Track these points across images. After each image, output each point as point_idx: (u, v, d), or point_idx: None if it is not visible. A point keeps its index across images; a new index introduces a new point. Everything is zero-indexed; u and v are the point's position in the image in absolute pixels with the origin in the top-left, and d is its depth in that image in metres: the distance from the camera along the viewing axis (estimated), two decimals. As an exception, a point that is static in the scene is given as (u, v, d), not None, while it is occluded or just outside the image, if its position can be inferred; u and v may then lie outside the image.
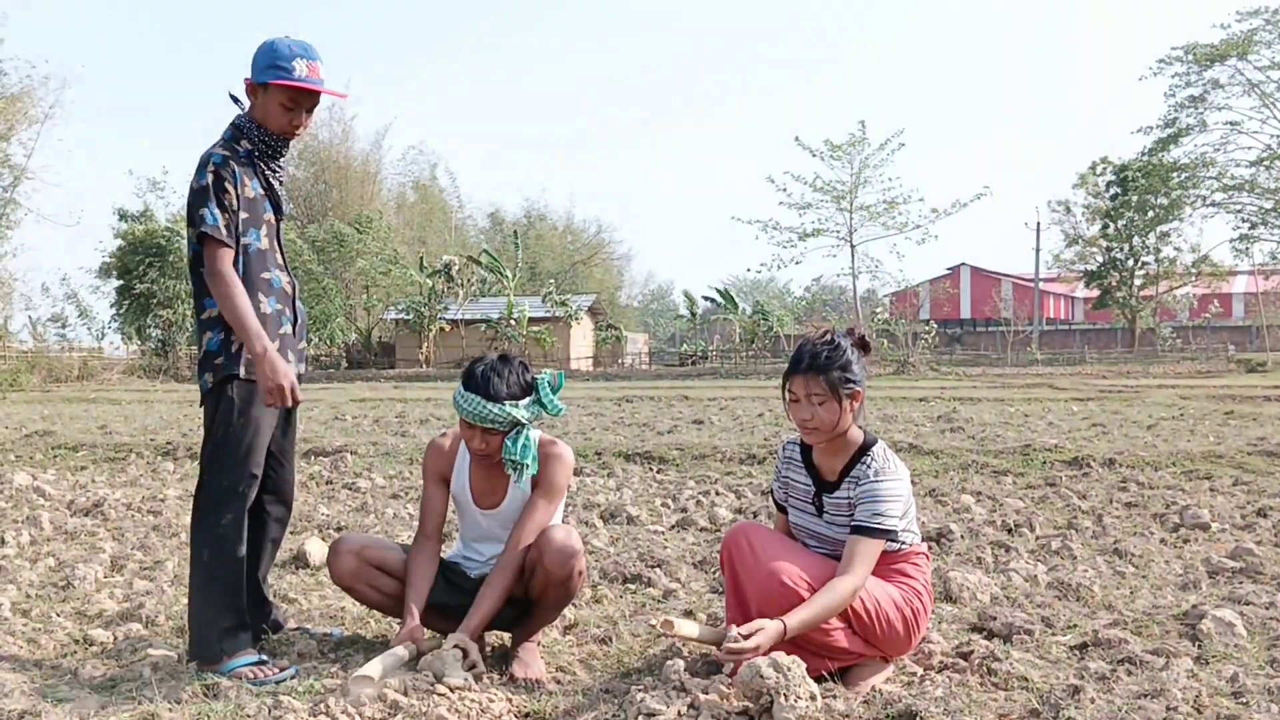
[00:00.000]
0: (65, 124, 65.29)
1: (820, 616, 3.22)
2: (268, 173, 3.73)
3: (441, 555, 3.96)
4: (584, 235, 72.67)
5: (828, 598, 3.23)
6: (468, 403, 3.60)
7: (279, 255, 3.78)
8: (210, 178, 3.55)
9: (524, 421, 3.65)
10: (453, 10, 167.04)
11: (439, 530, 3.86)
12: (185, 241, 3.77)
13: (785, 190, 41.01)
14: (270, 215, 3.73)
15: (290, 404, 3.56)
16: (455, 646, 3.36)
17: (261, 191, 3.69)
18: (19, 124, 32.85)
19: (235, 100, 3.76)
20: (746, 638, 3.05)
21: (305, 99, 3.66)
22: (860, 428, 3.55)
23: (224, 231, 3.54)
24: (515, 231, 56.74)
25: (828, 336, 3.50)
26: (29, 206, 34.03)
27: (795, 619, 3.16)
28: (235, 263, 3.59)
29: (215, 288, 3.53)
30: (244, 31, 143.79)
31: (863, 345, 3.55)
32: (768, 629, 3.10)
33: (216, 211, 3.53)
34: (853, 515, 3.44)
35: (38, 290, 40.57)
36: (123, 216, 40.79)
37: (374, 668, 3.18)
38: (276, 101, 3.62)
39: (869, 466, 3.46)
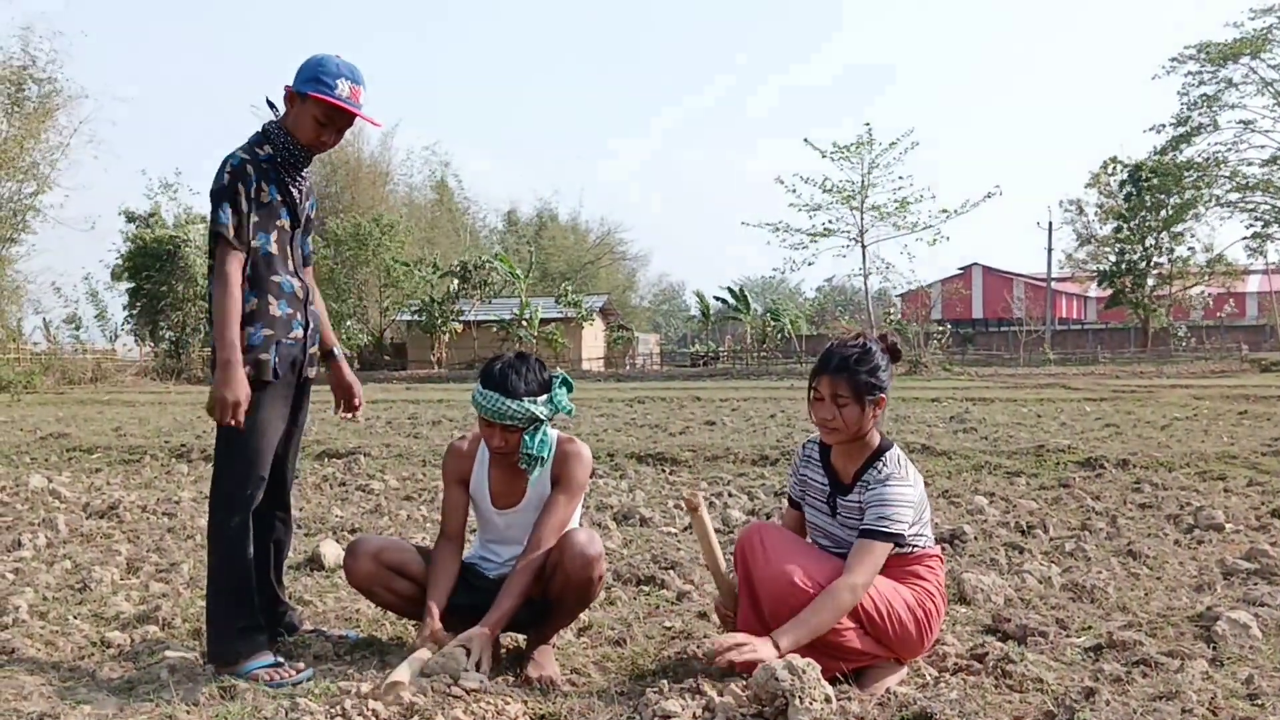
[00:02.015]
0: (96, 143, 62.90)
1: (818, 627, 3.23)
2: (288, 180, 3.75)
3: (460, 556, 3.99)
4: (593, 235, 72.82)
5: (825, 604, 3.24)
6: (487, 400, 3.62)
7: (290, 261, 3.80)
8: (227, 179, 3.59)
9: (542, 418, 3.67)
10: (457, 10, 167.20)
11: (461, 532, 3.89)
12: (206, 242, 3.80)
13: (795, 191, 40.87)
14: (284, 222, 3.75)
15: (229, 424, 3.51)
16: (460, 647, 3.37)
17: (279, 198, 3.72)
18: (47, 133, 32.88)
19: (271, 105, 3.78)
20: (738, 647, 3.09)
21: (339, 118, 3.69)
22: (879, 431, 3.57)
23: (233, 233, 3.57)
24: (535, 238, 56.83)
25: (859, 340, 3.52)
26: (51, 216, 34.05)
27: (787, 636, 3.18)
28: (245, 265, 3.62)
29: (214, 286, 3.57)
30: (248, 33, 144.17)
31: (893, 352, 3.56)
32: (759, 649, 3.12)
33: (229, 213, 3.57)
34: (863, 518, 3.45)
35: (49, 292, 40.37)
36: (130, 218, 40.79)
37: (403, 672, 3.21)
38: (311, 114, 3.66)
39: (880, 471, 3.47)
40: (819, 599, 3.26)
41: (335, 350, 4.07)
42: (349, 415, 4.12)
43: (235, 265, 3.58)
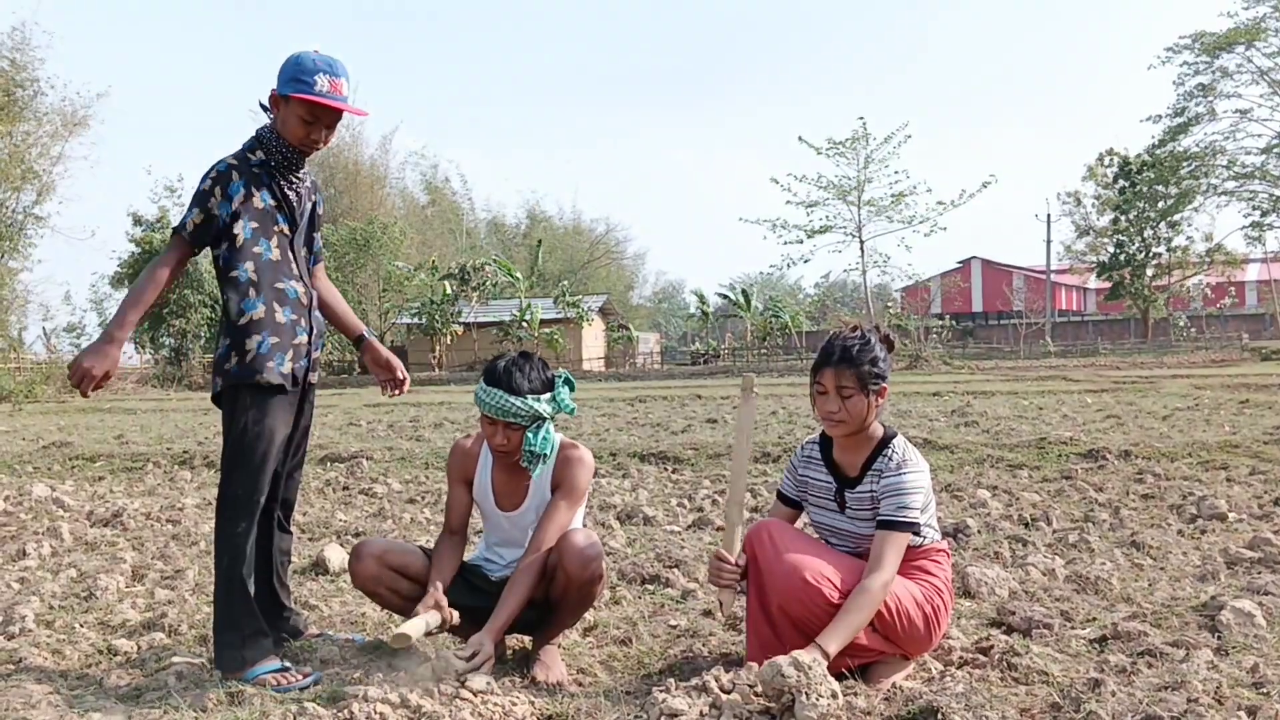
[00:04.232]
0: (90, 145, 62.38)
1: (858, 626, 3.24)
2: (283, 184, 3.75)
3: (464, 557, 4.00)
4: (591, 235, 72.88)
5: (861, 603, 3.25)
6: (491, 397, 3.63)
7: (294, 266, 3.80)
8: (208, 183, 3.63)
9: (546, 416, 3.68)
10: (454, 10, 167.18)
11: (463, 528, 3.92)
12: (209, 250, 3.80)
13: (790, 190, 40.86)
14: (283, 226, 3.75)
15: (80, 393, 3.56)
16: (473, 651, 3.39)
17: (273, 203, 3.71)
18: (47, 143, 32.76)
19: (265, 109, 3.78)
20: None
21: (325, 114, 3.67)
22: (880, 423, 3.58)
23: (188, 229, 3.62)
24: (539, 239, 56.86)
25: (858, 332, 3.54)
26: (49, 224, 33.93)
27: (834, 640, 3.17)
28: (252, 271, 3.64)
29: (148, 268, 3.63)
30: (249, 37, 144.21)
31: (887, 343, 3.58)
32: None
33: (196, 212, 3.62)
34: (876, 509, 3.46)
35: (58, 299, 40.45)
36: (137, 221, 40.66)
37: (415, 626, 3.39)
38: (296, 114, 3.64)
39: (890, 459, 3.48)
40: (854, 598, 3.26)
41: (365, 333, 4.12)
42: (397, 391, 4.15)
43: (174, 260, 3.64)
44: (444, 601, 3.61)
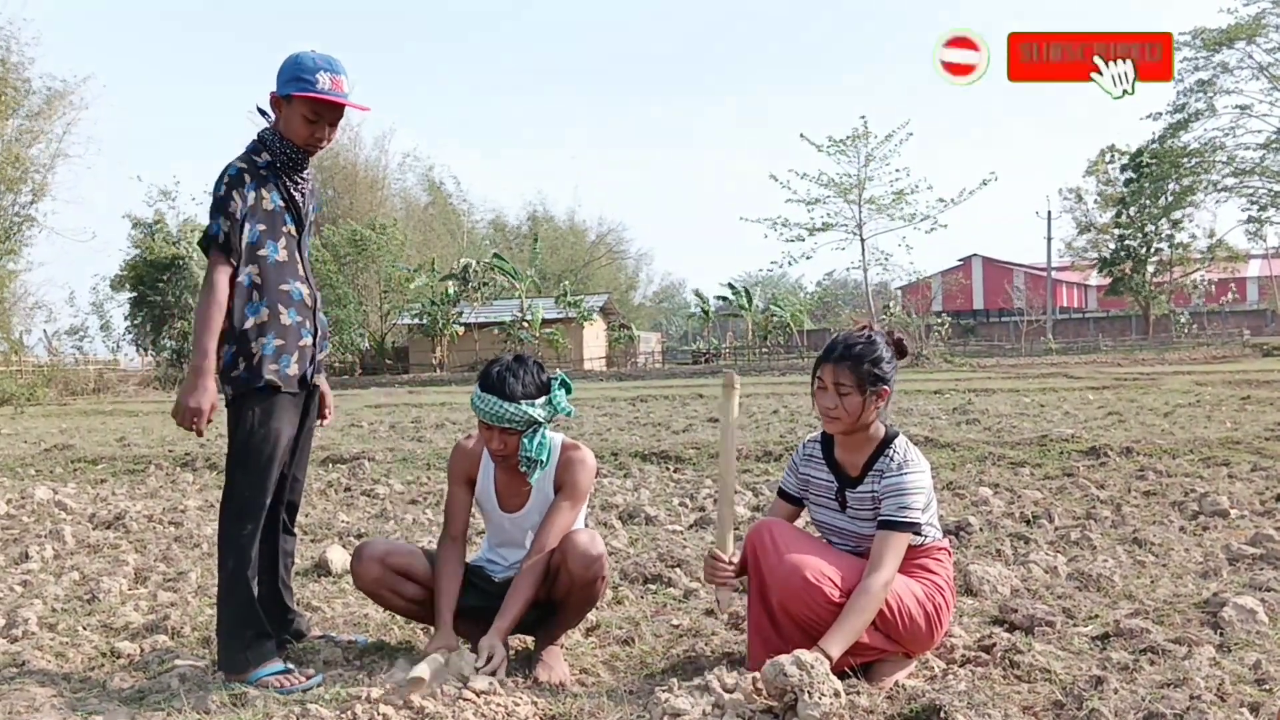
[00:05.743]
0: (85, 140, 62.25)
1: (860, 628, 3.24)
2: (289, 185, 3.75)
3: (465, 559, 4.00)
4: (590, 235, 72.86)
5: (862, 604, 3.25)
6: (485, 404, 3.63)
7: (299, 267, 3.80)
8: (224, 190, 3.60)
9: (540, 420, 3.68)
10: (453, 10, 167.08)
11: (464, 532, 3.91)
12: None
13: (790, 187, 40.82)
14: (290, 227, 3.75)
15: (194, 432, 3.56)
16: (488, 655, 3.39)
17: (281, 204, 3.72)
18: (38, 141, 32.63)
19: (263, 113, 3.79)
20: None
21: (328, 112, 3.68)
22: (884, 424, 3.58)
23: (223, 242, 3.58)
24: (536, 236, 56.93)
25: (865, 331, 3.55)
26: (45, 224, 33.80)
27: (836, 644, 3.17)
28: (255, 274, 3.63)
29: (201, 294, 3.60)
30: (248, 39, 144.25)
31: (899, 348, 3.58)
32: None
33: (223, 222, 3.58)
34: (877, 509, 3.46)
35: (60, 301, 40.34)
36: (135, 224, 40.67)
37: (423, 669, 3.25)
38: (299, 114, 3.65)
39: (891, 460, 3.48)
40: (854, 600, 3.27)
41: None
42: (319, 421, 4.14)
43: (223, 275, 3.59)
44: (455, 644, 3.58)
